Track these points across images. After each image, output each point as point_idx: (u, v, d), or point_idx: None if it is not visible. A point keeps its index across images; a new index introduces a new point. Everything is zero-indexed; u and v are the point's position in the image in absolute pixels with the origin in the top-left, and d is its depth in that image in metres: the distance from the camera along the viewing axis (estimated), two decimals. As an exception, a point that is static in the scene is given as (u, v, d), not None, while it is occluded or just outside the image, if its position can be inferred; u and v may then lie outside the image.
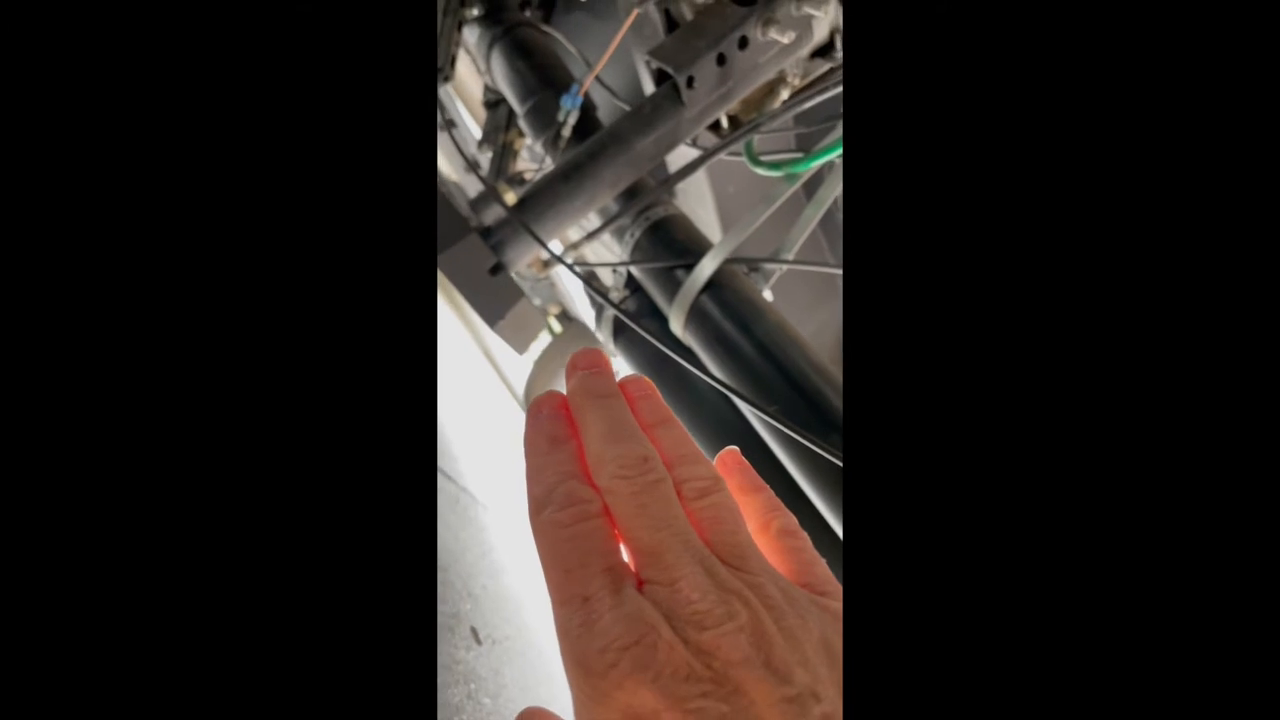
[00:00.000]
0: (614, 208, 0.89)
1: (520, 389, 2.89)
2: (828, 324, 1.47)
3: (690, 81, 0.74)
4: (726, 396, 0.89)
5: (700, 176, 1.08)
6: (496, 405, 2.43)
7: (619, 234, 0.89)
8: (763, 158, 0.82)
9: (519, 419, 2.58)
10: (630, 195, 0.88)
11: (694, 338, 0.80)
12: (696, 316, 0.79)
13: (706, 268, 0.77)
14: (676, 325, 0.81)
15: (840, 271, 1.28)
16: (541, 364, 2.83)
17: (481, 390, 2.33)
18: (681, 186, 1.14)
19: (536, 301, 2.40)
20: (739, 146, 0.83)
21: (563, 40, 1.09)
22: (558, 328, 2.76)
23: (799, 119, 1.07)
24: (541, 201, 0.76)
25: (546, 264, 0.86)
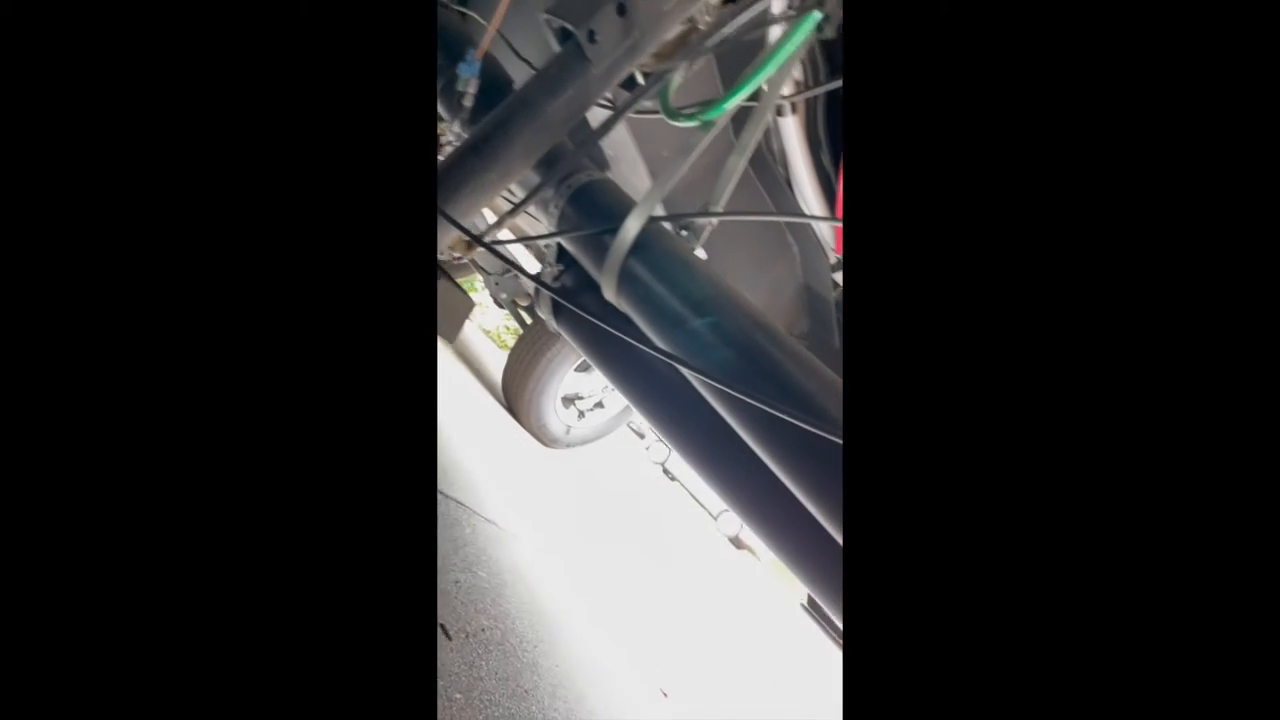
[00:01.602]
0: (535, 179, 0.86)
1: (496, 381, 2.86)
2: (784, 280, 1.44)
3: (591, 35, 0.71)
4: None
5: (628, 142, 1.05)
6: (467, 398, 2.40)
7: (544, 206, 0.87)
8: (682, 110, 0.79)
9: (493, 411, 2.55)
10: (550, 165, 0.85)
11: (627, 302, 0.78)
12: (627, 281, 0.77)
13: (631, 229, 0.75)
14: (609, 292, 0.78)
15: (782, 220, 1.26)
16: (515, 356, 2.80)
17: (451, 383, 2.29)
18: (614, 155, 1.11)
19: (504, 295, 2.37)
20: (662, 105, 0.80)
21: (475, 16, 1.05)
22: (528, 319, 2.73)
23: (723, 68, 1.04)
24: (452, 179, 0.73)
25: (470, 245, 0.83)
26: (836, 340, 1.51)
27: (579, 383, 2.83)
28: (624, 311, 0.80)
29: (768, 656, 2.64)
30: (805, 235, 1.33)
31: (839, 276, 1.36)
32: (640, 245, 0.76)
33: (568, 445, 2.99)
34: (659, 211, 0.90)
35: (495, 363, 3.08)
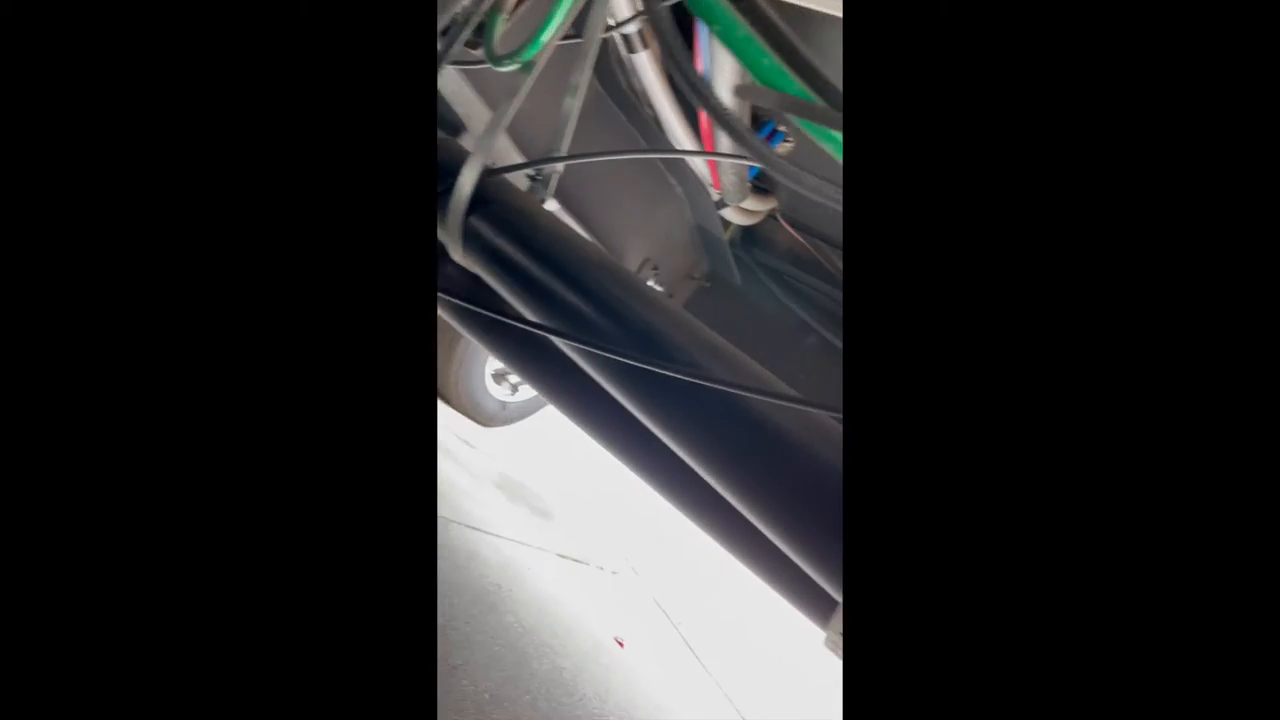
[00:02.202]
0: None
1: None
2: (675, 223, 1.43)
3: (390, -18, 0.67)
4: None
5: (475, 100, 1.01)
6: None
7: (383, 172, 0.82)
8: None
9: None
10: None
11: (476, 262, 0.75)
12: (472, 239, 0.74)
13: (465, 183, 0.72)
14: (455, 252, 0.75)
15: (627, 156, 1.24)
16: (443, 339, 2.74)
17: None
18: (467, 114, 1.06)
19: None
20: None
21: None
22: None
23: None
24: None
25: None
26: (738, 278, 1.51)
27: (507, 357, 2.79)
28: (475, 273, 0.77)
29: (728, 610, 2.71)
30: (686, 175, 1.31)
31: (724, 213, 1.35)
32: (481, 200, 0.73)
33: (506, 422, 2.96)
34: (511, 162, 0.87)
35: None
